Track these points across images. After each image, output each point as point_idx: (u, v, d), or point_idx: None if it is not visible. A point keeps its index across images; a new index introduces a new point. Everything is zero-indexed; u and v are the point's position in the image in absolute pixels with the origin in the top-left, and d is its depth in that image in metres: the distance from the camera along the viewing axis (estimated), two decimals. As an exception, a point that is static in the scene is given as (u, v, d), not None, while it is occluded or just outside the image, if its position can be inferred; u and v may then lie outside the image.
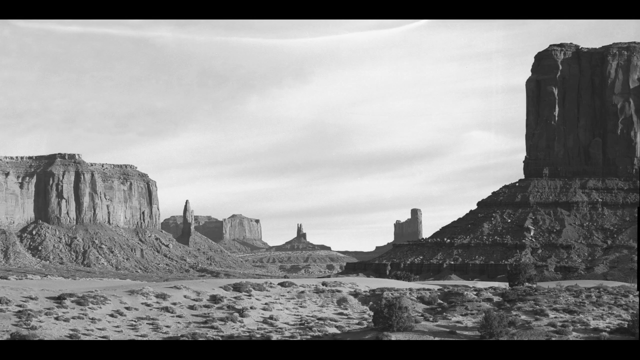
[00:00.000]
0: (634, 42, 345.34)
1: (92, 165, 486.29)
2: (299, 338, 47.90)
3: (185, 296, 56.71)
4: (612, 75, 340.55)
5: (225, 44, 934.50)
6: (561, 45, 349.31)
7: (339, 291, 62.09)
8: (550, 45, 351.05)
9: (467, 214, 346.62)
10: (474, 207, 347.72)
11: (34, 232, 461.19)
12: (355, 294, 61.89)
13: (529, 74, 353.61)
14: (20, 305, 49.70)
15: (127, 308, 52.45)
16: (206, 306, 54.78)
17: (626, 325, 42.60)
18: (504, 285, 75.67)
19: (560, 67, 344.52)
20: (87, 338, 44.93)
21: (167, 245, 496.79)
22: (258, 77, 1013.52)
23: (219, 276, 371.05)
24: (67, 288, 59.21)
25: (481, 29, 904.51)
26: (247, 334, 49.15)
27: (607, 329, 43.43)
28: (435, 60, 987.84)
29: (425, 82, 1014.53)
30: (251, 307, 55.51)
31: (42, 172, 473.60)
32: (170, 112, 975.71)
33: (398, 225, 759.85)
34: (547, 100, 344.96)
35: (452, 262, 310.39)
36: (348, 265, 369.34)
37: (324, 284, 64.80)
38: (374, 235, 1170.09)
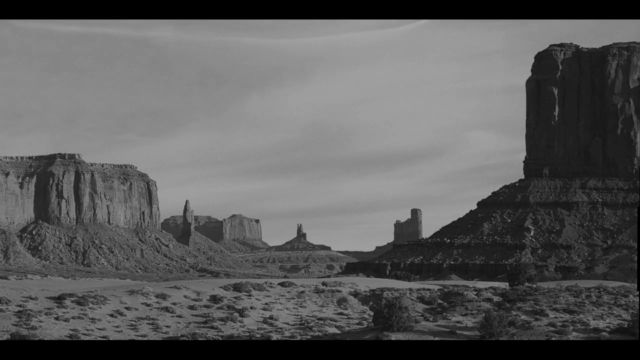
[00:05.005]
0: (634, 42, 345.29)
1: (92, 165, 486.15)
2: (299, 338, 47.87)
3: (185, 296, 56.68)
4: (612, 75, 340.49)
5: (225, 44, 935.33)
6: (561, 45, 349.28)
7: (339, 291, 62.05)
8: (550, 45, 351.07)
9: (467, 214, 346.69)
10: (474, 207, 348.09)
11: (34, 232, 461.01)
12: (355, 294, 61.84)
13: (529, 74, 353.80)
14: (20, 305, 49.66)
15: (127, 308, 52.42)
16: (206, 306, 54.74)
17: (626, 325, 42.57)
18: (504, 285, 75.71)
19: (560, 67, 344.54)
20: (87, 338, 44.91)
21: (167, 245, 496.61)
22: (258, 77, 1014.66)
23: (219, 276, 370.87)
24: (67, 288, 59.17)
25: (481, 29, 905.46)
26: (247, 334, 49.12)
27: (607, 329, 43.39)
28: (435, 60, 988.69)
29: (425, 82, 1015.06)
30: (251, 307, 55.47)
31: (42, 172, 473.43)
32: (170, 112, 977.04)
33: (398, 225, 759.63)
34: (547, 100, 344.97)
35: (452, 262, 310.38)
36: (348, 265, 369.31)
37: (324, 284, 64.76)
38: (374, 235, 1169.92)
